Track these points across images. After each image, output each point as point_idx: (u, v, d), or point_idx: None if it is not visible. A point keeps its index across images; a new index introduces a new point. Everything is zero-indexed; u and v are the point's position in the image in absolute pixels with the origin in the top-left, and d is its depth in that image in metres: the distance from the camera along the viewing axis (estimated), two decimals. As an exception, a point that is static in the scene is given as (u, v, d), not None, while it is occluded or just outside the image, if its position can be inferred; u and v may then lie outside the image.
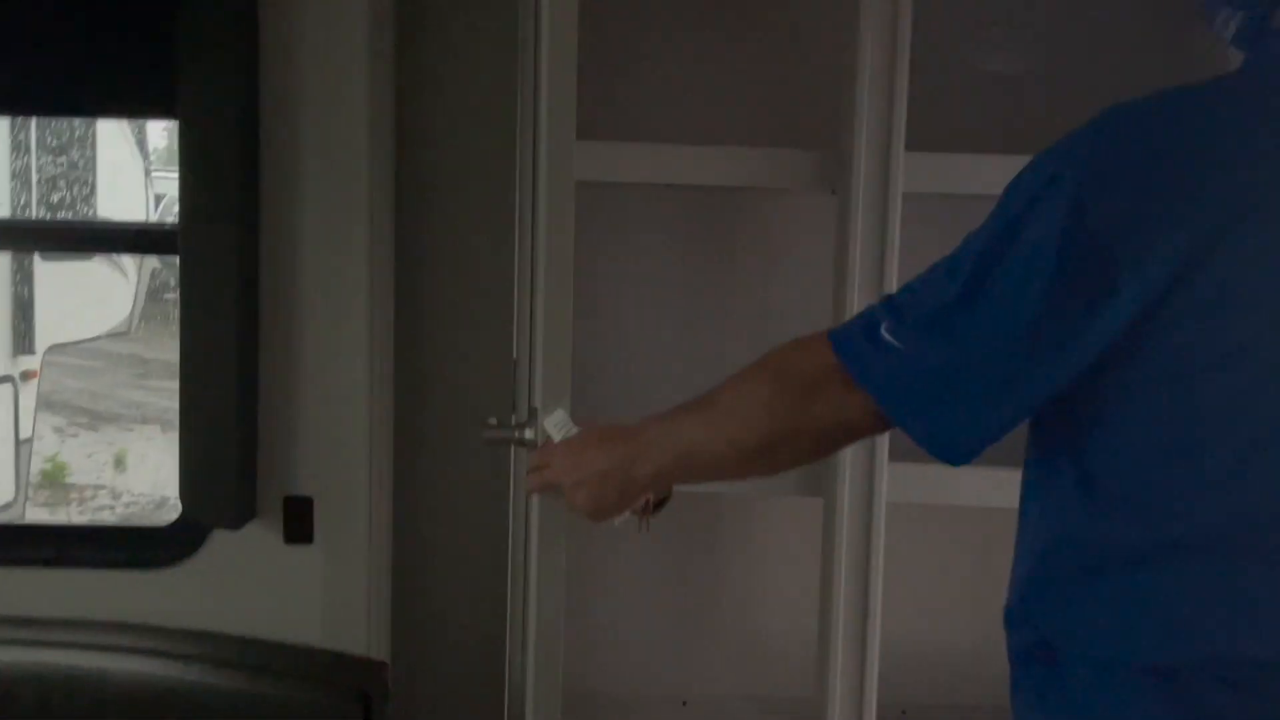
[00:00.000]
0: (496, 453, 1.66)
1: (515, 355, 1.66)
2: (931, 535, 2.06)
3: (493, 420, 1.45)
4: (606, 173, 1.75)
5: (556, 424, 1.31)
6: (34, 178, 4.69)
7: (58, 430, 5.88)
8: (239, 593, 1.63)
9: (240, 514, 1.56)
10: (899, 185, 1.72)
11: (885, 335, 0.98)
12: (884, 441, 1.76)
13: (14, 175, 4.60)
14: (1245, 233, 0.89)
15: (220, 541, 1.62)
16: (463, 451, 1.80)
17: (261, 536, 1.61)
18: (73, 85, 1.60)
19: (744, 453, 1.09)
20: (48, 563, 1.62)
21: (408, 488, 1.82)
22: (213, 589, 1.62)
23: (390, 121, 1.72)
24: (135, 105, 1.71)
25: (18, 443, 4.40)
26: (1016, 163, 1.01)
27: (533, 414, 1.39)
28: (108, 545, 1.67)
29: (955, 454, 0.98)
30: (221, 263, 1.53)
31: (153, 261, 5.26)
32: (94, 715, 1.52)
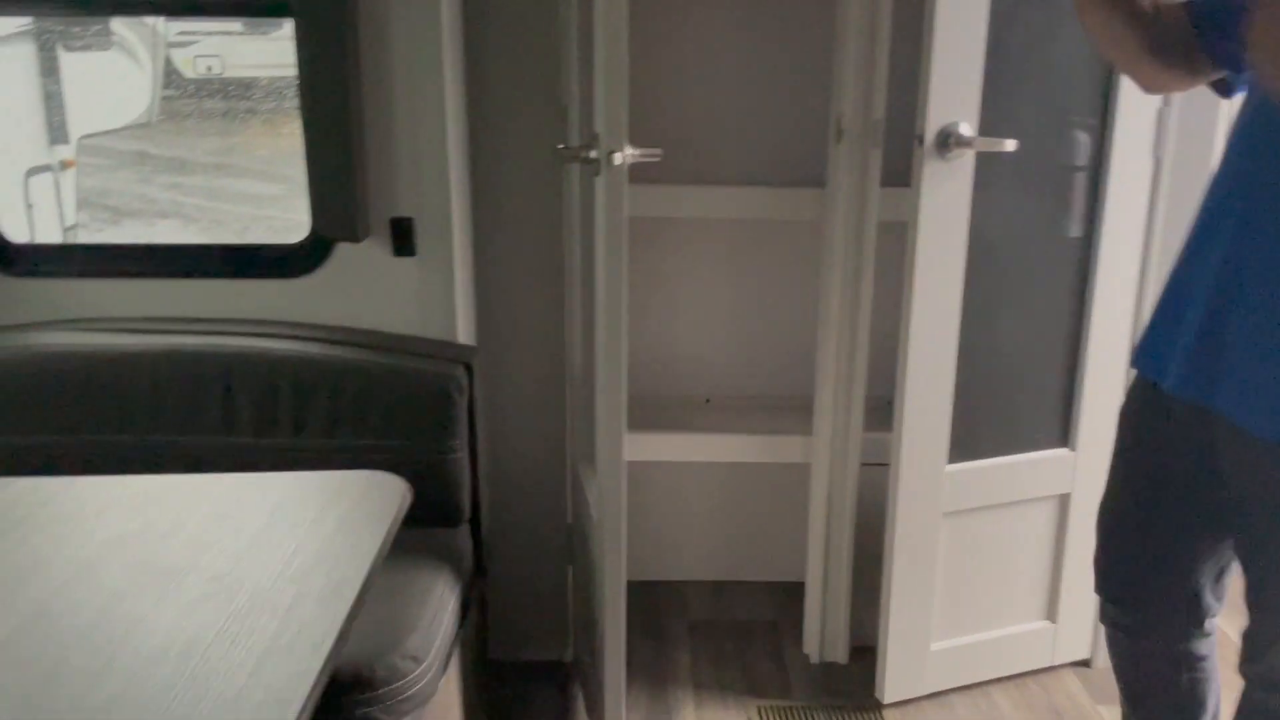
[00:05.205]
0: (557, 172, 2.12)
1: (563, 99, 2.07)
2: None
3: (561, 145, 1.87)
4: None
5: None
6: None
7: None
8: (360, 295, 2.07)
9: (359, 231, 1.99)
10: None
11: None
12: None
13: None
14: None
15: (342, 255, 2.05)
16: (529, 176, 2.23)
17: (375, 250, 2.05)
18: None
19: None
20: (218, 274, 2.06)
21: (485, 208, 2.25)
22: (339, 293, 2.07)
23: None
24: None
25: (64, 231, 4.73)
26: None
27: (594, 139, 1.79)
28: (255, 261, 2.10)
29: None
30: (330, 35, 1.90)
31: (163, 52, 5.44)
32: (265, 384, 1.98)
